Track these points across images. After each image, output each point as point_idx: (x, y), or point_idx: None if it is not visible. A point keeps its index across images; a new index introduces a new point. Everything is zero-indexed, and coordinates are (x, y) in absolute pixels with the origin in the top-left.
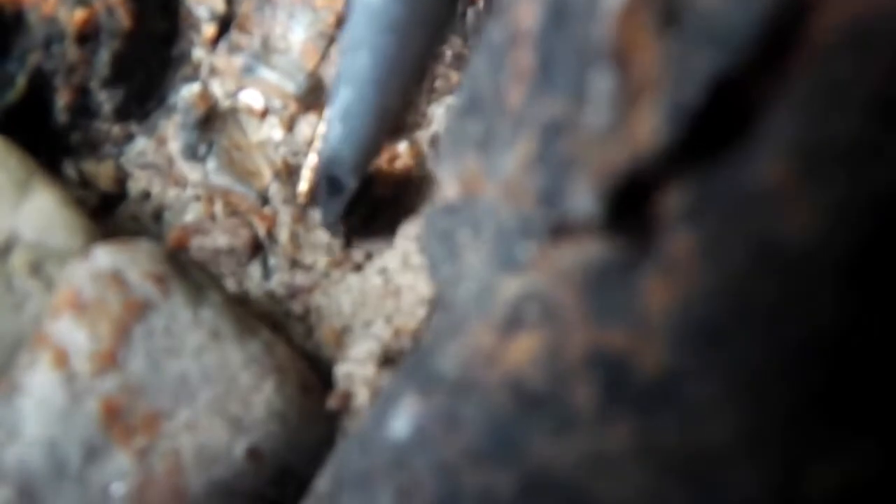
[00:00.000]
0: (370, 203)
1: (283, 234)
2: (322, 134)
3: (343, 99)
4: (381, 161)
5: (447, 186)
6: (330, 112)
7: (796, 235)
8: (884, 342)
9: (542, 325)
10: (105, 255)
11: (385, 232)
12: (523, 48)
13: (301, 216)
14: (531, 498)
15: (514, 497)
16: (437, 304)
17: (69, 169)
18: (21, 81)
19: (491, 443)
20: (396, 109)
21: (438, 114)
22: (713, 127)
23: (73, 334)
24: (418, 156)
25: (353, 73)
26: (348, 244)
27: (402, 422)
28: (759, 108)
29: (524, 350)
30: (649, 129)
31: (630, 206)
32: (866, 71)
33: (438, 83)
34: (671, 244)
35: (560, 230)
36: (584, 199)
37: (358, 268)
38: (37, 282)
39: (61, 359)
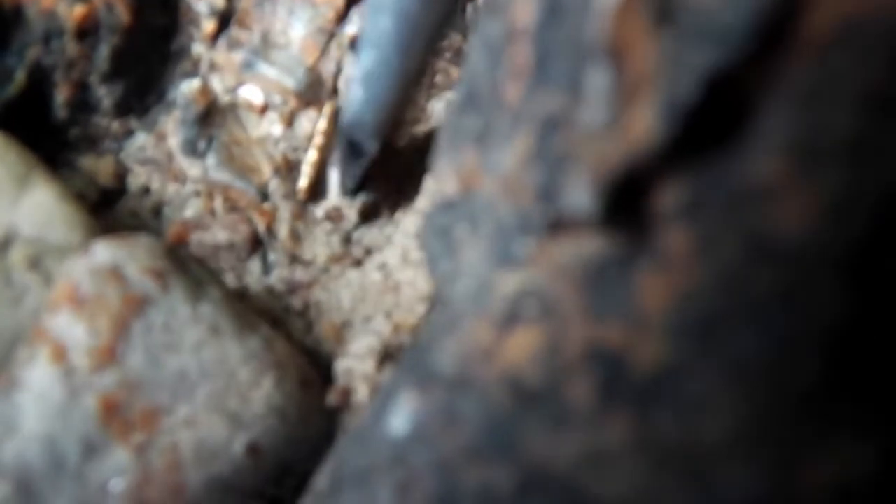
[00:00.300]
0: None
1: (283, 230)
2: (341, 99)
3: (365, 63)
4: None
5: (445, 182)
6: (352, 75)
7: (792, 231)
8: (880, 339)
9: (541, 321)
10: (104, 251)
11: (383, 228)
12: (520, 45)
13: (301, 212)
14: (529, 494)
15: (512, 493)
16: (435, 300)
17: (68, 164)
18: (20, 76)
19: (489, 439)
20: (418, 72)
21: (438, 109)
22: (708, 123)
23: (72, 329)
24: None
25: (375, 36)
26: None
27: (400, 418)
28: (754, 104)
29: (522, 346)
30: (645, 125)
31: (626, 202)
32: (859, 68)
33: (438, 78)
34: (667, 240)
35: (557, 226)
36: (580, 195)
37: (357, 263)
38: (36, 276)
39: (60, 354)
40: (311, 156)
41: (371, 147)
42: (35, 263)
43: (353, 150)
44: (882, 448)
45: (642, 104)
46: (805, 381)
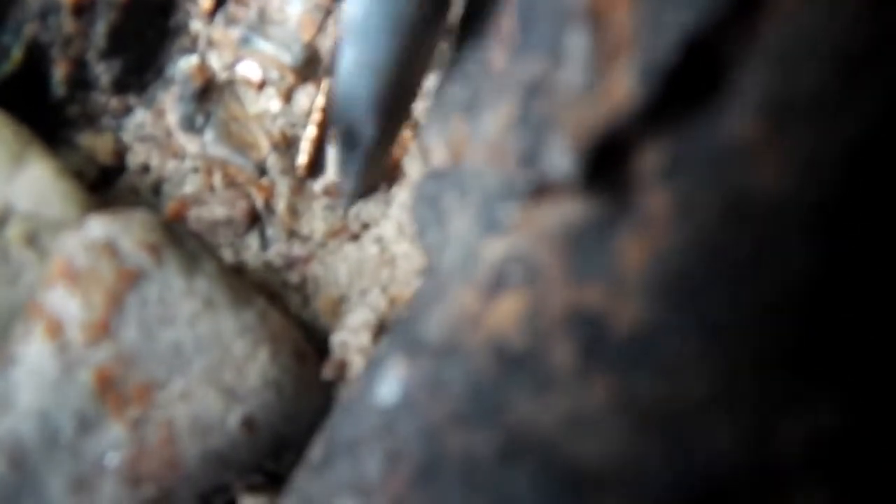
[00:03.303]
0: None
1: (281, 205)
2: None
3: (352, 13)
4: None
5: (435, 152)
6: (340, 35)
7: (768, 189)
8: (854, 294)
9: (525, 286)
10: (98, 225)
11: (380, 204)
12: (506, 12)
13: (298, 187)
14: (512, 458)
15: (495, 458)
16: (424, 269)
17: (67, 142)
18: (17, 53)
19: (474, 405)
20: (425, 23)
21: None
22: (686, 85)
23: (67, 304)
24: (413, 127)
25: None
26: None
27: (388, 387)
28: (731, 65)
29: (507, 311)
30: (624, 87)
31: (607, 164)
32: (829, 26)
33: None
34: (647, 202)
35: (540, 190)
36: (561, 158)
37: (354, 237)
38: (32, 253)
39: (54, 329)
40: (310, 132)
41: (368, 130)
42: (31, 240)
43: (348, 137)
44: (854, 403)
45: (621, 67)
46: (781, 339)
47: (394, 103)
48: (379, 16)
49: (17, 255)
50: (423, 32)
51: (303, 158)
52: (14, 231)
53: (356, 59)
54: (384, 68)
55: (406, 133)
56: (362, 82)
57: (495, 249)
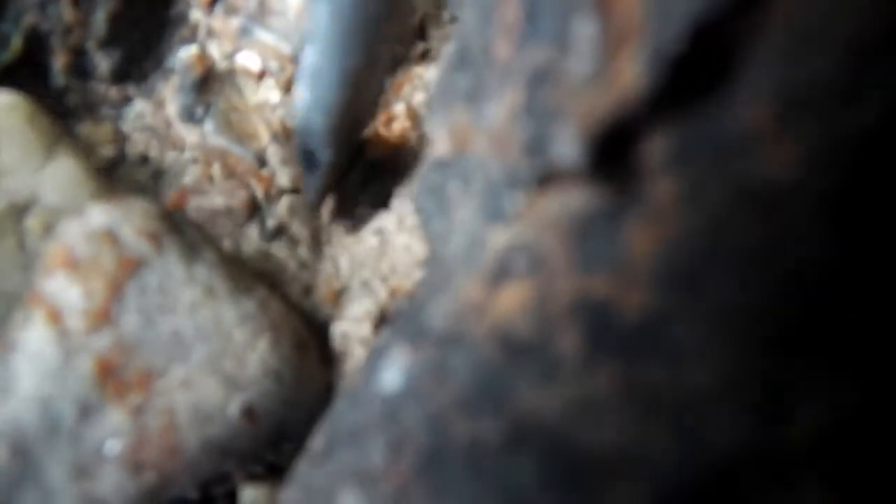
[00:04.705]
0: (362, 171)
1: (280, 196)
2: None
3: (307, 61)
4: (378, 124)
5: (439, 141)
6: (296, 76)
7: (776, 176)
8: (863, 283)
9: (530, 275)
10: (98, 213)
11: (381, 195)
12: (511, 1)
13: (298, 177)
14: (518, 446)
15: (501, 446)
16: (428, 259)
17: (67, 132)
18: (17, 42)
19: (479, 393)
20: (368, 68)
21: (434, 77)
22: (695, 73)
23: (67, 292)
24: (414, 118)
25: (315, 30)
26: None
27: (392, 374)
28: (740, 52)
29: (512, 300)
30: (631, 75)
31: (614, 152)
32: (845, 13)
33: (434, 45)
34: (655, 190)
35: (546, 179)
36: (568, 146)
37: (355, 228)
38: (49, 245)
39: (55, 316)
40: None
41: (325, 156)
42: (50, 232)
43: (308, 160)
44: (863, 391)
45: (629, 54)
46: (788, 327)
47: (344, 134)
48: (331, 65)
49: (34, 245)
50: (372, 77)
51: None
52: (35, 221)
53: (311, 100)
54: (335, 109)
55: (402, 124)
56: (317, 120)
57: (500, 238)
